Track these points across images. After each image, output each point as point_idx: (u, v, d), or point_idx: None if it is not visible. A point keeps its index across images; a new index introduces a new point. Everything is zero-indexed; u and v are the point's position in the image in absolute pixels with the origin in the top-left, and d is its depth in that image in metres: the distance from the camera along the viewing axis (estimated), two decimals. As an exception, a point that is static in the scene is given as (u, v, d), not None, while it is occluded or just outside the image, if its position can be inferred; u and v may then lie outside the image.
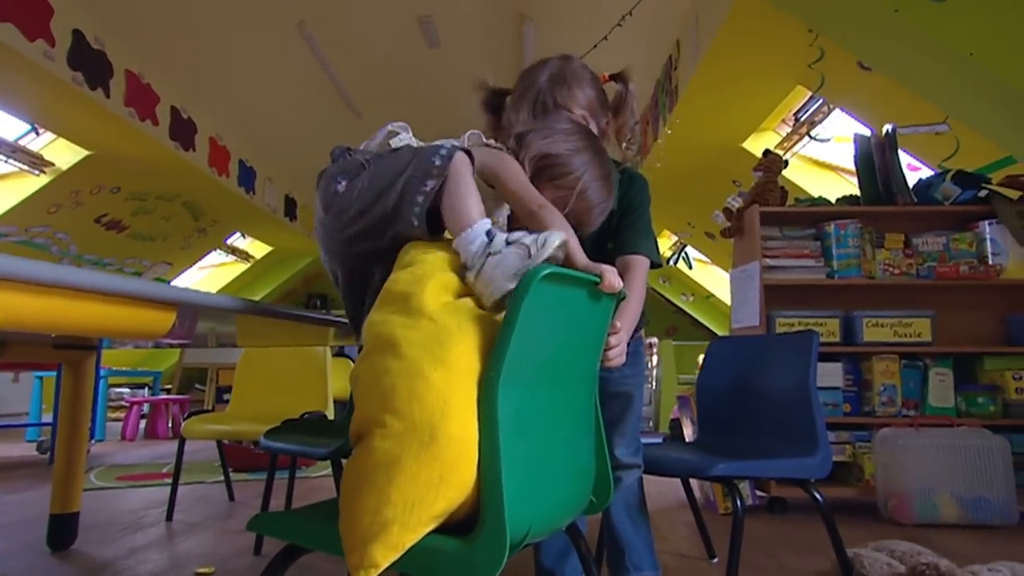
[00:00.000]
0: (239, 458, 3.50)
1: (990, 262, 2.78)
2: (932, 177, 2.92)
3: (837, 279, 2.79)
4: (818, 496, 1.59)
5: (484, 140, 1.09)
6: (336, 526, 0.80)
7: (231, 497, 2.91)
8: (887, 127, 2.84)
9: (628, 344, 1.13)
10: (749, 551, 2.06)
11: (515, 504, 0.77)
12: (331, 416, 2.62)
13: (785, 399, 1.79)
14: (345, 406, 3.08)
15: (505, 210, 1.09)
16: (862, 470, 2.71)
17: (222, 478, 3.02)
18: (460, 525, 0.79)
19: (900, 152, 2.84)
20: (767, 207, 2.82)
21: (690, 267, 8.03)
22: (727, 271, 7.55)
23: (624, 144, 1.35)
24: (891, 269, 2.81)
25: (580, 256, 0.97)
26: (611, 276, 0.92)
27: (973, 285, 2.77)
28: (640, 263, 1.33)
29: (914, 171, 3.46)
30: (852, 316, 2.78)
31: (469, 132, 1.08)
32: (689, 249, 7.72)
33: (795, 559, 2.03)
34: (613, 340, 1.07)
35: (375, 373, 0.80)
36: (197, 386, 7.51)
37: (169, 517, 2.52)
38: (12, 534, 2.30)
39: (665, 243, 8.56)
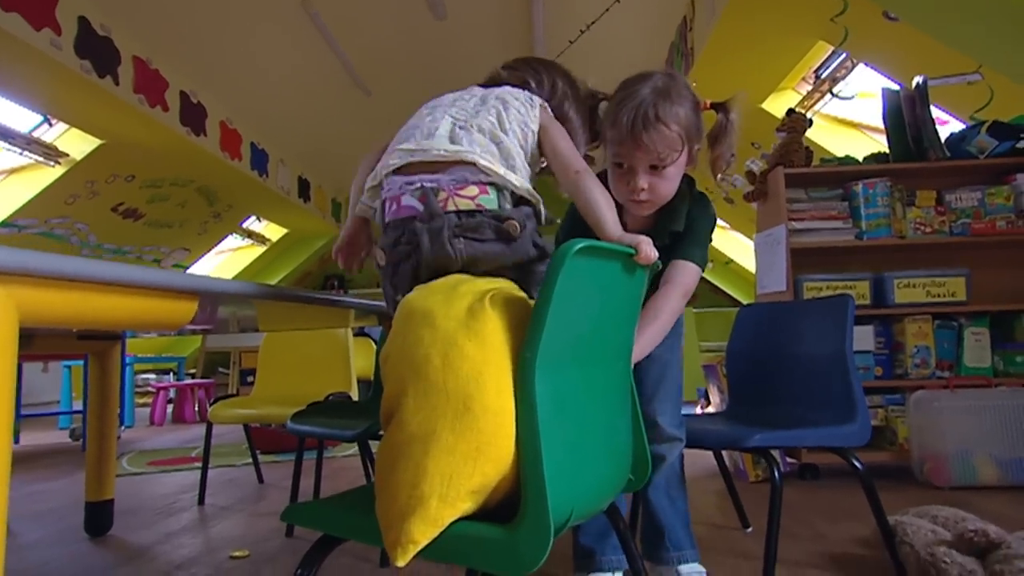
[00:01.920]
0: (266, 440, 3.53)
1: (1028, 216, 2.68)
2: (965, 130, 2.81)
3: (866, 240, 2.71)
4: (858, 464, 1.55)
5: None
6: (370, 516, 0.78)
7: (260, 479, 2.94)
8: (917, 79, 2.72)
9: None
10: (783, 519, 2.02)
11: (557, 487, 0.74)
12: (355, 396, 2.62)
13: (820, 365, 1.75)
14: (369, 386, 3.08)
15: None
16: (895, 434, 2.66)
17: (251, 461, 3.04)
18: (500, 511, 0.76)
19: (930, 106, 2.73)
20: (792, 168, 2.74)
21: (709, 233, 7.93)
22: (747, 236, 7.46)
23: (720, 176, 1.32)
24: (923, 227, 2.72)
25: (615, 227, 0.93)
26: (647, 247, 0.88)
27: (1010, 241, 2.68)
28: (688, 270, 1.28)
29: (942, 125, 3.34)
30: (883, 277, 2.71)
31: (540, 102, 1.12)
32: (708, 215, 7.61)
33: (831, 527, 2.00)
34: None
35: (408, 344, 0.78)
36: (220, 369, 7.60)
37: (201, 501, 2.55)
38: (51, 521, 2.33)
39: (683, 210, 8.43)
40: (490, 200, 0.94)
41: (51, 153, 4.67)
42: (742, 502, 2.08)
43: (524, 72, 1.16)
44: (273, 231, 7.86)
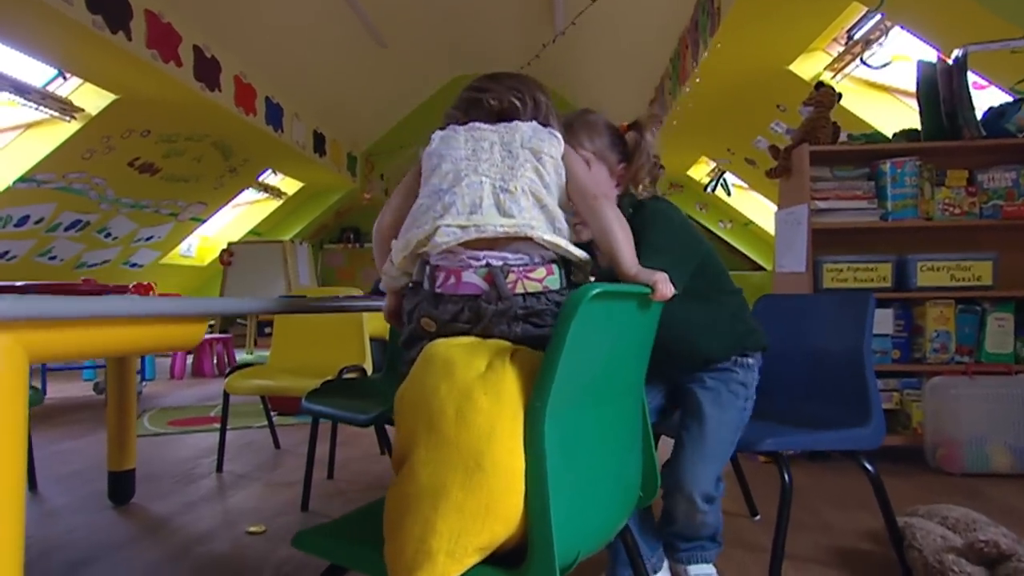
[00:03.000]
0: (282, 403, 3.59)
1: (1064, 198, 2.58)
2: (1005, 105, 2.68)
3: (891, 221, 2.64)
4: (869, 467, 1.54)
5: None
6: (378, 548, 0.79)
7: (276, 445, 3.00)
8: (957, 51, 2.60)
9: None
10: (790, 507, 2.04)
11: (564, 533, 0.74)
12: (369, 369, 2.65)
13: (835, 362, 1.73)
14: (383, 346, 3.11)
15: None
16: (909, 418, 2.64)
17: (267, 423, 3.10)
18: (507, 555, 0.76)
19: (968, 74, 2.61)
20: (817, 146, 2.65)
21: (728, 194, 7.79)
22: (767, 197, 7.31)
23: (640, 187, 1.37)
24: (951, 209, 2.64)
25: (632, 260, 0.91)
26: (663, 286, 0.85)
27: (1041, 224, 2.59)
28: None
29: (978, 89, 3.19)
30: (905, 260, 2.64)
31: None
32: (728, 175, 7.46)
33: (840, 516, 2.01)
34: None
35: (426, 392, 0.77)
36: (239, 320, 7.71)
37: (219, 468, 2.61)
38: (76, 485, 2.41)
39: (703, 170, 8.28)
40: (555, 280, 0.92)
41: (67, 108, 4.64)
42: (750, 486, 2.09)
43: (505, 93, 1.09)
44: (289, 185, 7.84)
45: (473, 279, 0.90)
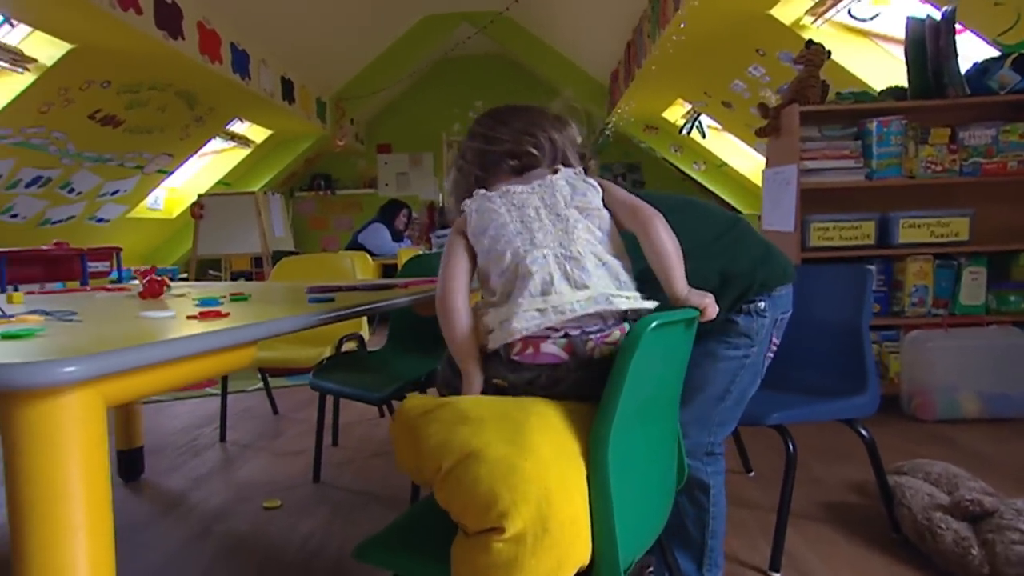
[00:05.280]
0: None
1: (1040, 155, 2.66)
2: (988, 61, 2.72)
3: (875, 180, 2.70)
4: (865, 433, 1.64)
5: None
6: (445, 561, 0.82)
7: (275, 410, 3.03)
8: (944, 9, 2.61)
9: None
10: (778, 461, 2.16)
11: (624, 546, 0.79)
12: (366, 336, 2.66)
13: (831, 332, 1.80)
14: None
15: None
16: (887, 368, 2.78)
17: (262, 386, 3.12)
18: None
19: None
20: (807, 106, 2.67)
21: (703, 136, 7.79)
22: (741, 139, 7.33)
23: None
24: (933, 166, 2.71)
25: (682, 283, 0.93)
26: (712, 309, 0.88)
27: (1018, 180, 2.68)
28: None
29: (959, 34, 3.19)
30: (888, 217, 2.72)
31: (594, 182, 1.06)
32: (703, 118, 7.44)
33: (826, 469, 2.14)
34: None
35: (465, 484, 0.78)
36: (211, 272, 7.60)
37: (223, 438, 2.64)
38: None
39: (678, 111, 8.23)
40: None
41: (18, 59, 4.38)
42: (744, 443, 2.20)
43: (520, 143, 1.06)
44: (257, 133, 7.58)
45: (552, 349, 0.90)
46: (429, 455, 0.82)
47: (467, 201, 1.04)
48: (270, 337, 0.95)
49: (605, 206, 1.01)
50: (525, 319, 0.90)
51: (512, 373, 0.93)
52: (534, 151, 1.05)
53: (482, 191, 1.04)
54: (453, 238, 1.04)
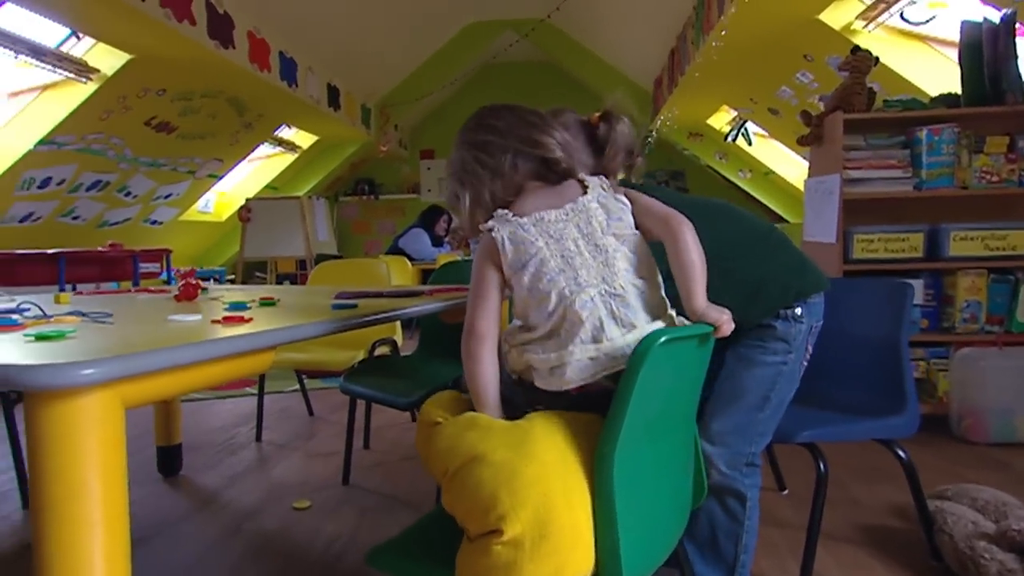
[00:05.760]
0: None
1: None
2: (1049, 67, 2.59)
3: (924, 191, 2.60)
4: (903, 454, 1.58)
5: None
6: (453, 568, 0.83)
7: (310, 412, 3.09)
8: (1004, 11, 2.49)
9: None
10: (814, 479, 2.09)
11: (631, 563, 0.78)
12: (399, 341, 2.69)
13: (870, 348, 1.74)
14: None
15: None
16: (935, 387, 2.67)
17: (298, 387, 3.19)
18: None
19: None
20: (852, 114, 2.58)
21: (749, 143, 7.64)
22: (787, 146, 7.16)
23: (620, 176, 1.26)
24: (988, 177, 2.59)
25: (702, 298, 0.91)
26: (727, 325, 0.86)
27: (1081, 192, 2.54)
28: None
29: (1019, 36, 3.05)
30: (938, 229, 2.61)
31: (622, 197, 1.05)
32: (749, 125, 7.30)
33: (867, 491, 2.06)
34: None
35: (469, 487, 0.79)
36: (257, 274, 7.81)
37: (259, 437, 2.70)
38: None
39: (723, 118, 8.10)
40: None
41: (82, 69, 4.60)
42: (778, 460, 2.14)
43: (531, 149, 1.03)
44: (303, 138, 7.78)
45: (606, 384, 0.90)
46: (438, 457, 0.84)
47: (492, 223, 1.00)
48: (285, 344, 0.97)
49: (633, 216, 1.00)
50: (579, 368, 0.89)
51: (552, 399, 0.92)
52: (547, 157, 1.03)
53: (507, 213, 1.00)
54: (485, 268, 0.98)
